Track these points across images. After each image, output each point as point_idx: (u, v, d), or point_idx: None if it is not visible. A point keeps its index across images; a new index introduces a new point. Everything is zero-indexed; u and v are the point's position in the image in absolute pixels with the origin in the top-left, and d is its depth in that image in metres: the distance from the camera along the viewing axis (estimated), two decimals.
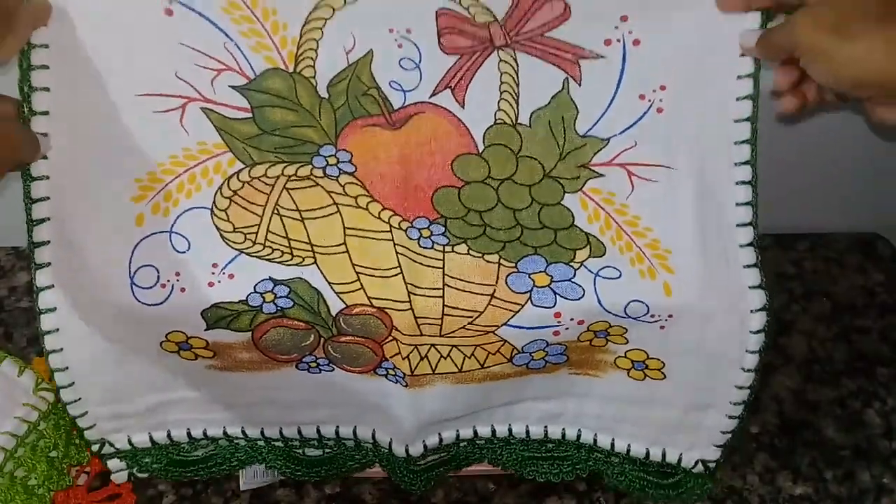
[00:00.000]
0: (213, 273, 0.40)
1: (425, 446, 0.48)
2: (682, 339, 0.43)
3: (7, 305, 0.64)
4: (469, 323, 0.41)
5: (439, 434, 0.48)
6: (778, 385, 0.62)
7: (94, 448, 0.47)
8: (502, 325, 0.41)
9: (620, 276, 0.41)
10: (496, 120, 0.43)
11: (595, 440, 0.49)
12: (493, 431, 0.49)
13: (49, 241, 0.40)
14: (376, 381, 0.44)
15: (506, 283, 0.40)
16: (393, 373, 0.43)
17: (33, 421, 0.47)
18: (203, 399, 0.46)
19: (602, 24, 0.43)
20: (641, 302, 0.41)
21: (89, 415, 0.45)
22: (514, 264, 0.41)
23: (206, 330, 0.41)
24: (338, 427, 0.48)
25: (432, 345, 0.42)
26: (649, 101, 0.43)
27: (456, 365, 0.43)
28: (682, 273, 0.41)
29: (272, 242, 0.41)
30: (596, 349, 0.44)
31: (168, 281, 0.40)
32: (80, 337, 0.41)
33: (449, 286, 0.40)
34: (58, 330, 0.40)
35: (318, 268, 0.40)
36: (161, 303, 0.40)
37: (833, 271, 0.72)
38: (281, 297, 0.40)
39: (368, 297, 0.40)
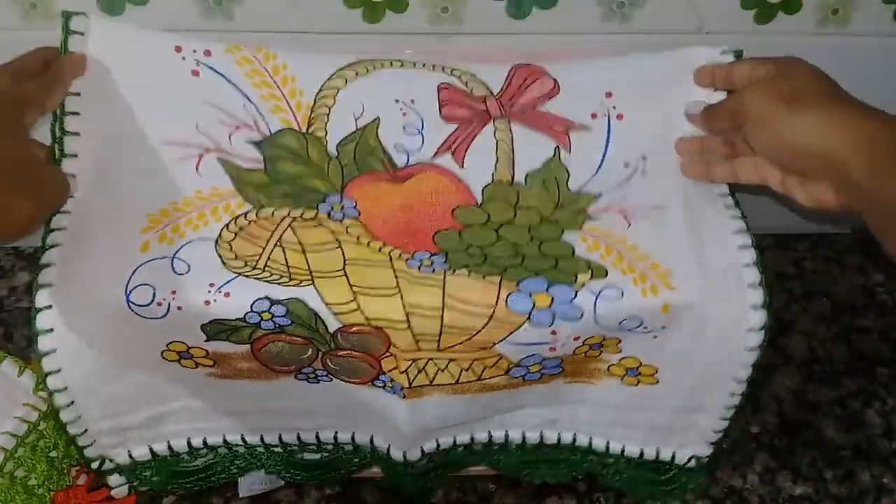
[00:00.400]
0: (210, 292, 0.40)
1: (423, 451, 0.48)
2: (675, 347, 0.43)
3: (7, 305, 0.64)
4: (467, 339, 0.41)
5: (437, 440, 0.48)
6: (778, 385, 0.62)
7: (94, 465, 0.47)
8: (499, 342, 0.41)
9: (623, 296, 0.41)
10: (493, 179, 0.47)
11: (590, 443, 0.50)
12: (490, 437, 0.50)
13: (54, 264, 0.40)
14: (374, 392, 0.44)
15: (506, 303, 0.40)
16: (391, 385, 0.43)
17: (33, 421, 0.47)
18: (203, 407, 0.46)
19: (589, 99, 0.49)
20: (636, 318, 0.41)
21: (89, 432, 0.45)
22: (515, 283, 0.41)
23: (206, 341, 0.41)
24: (336, 433, 0.49)
25: (430, 359, 0.42)
26: (634, 167, 0.48)
27: (453, 377, 0.43)
28: (682, 289, 0.41)
29: (271, 268, 0.42)
30: (590, 359, 0.45)
31: (164, 299, 0.39)
32: (78, 355, 0.41)
33: (448, 307, 0.40)
34: (55, 350, 0.40)
35: (316, 289, 0.40)
36: (161, 317, 0.40)
37: (833, 271, 0.72)
38: (278, 316, 0.40)
39: (366, 318, 0.40)
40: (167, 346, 0.41)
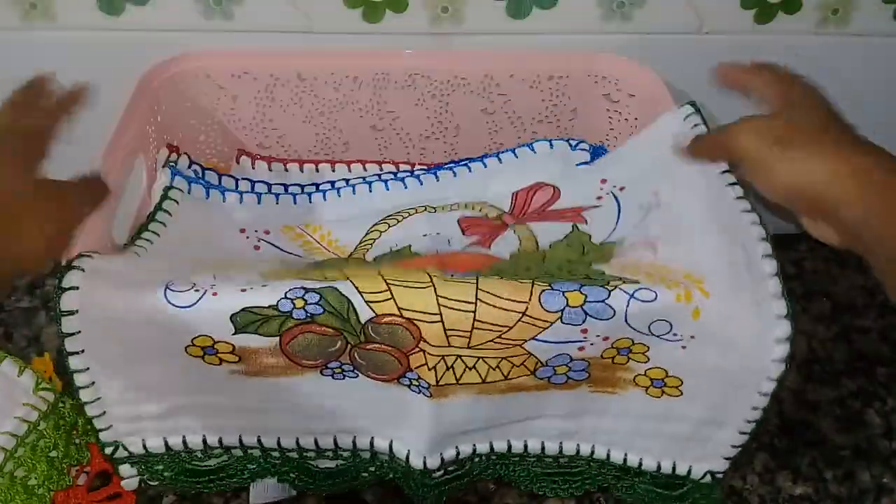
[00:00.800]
0: (248, 279, 0.41)
1: (442, 459, 0.47)
2: (703, 359, 0.42)
3: (7, 305, 0.64)
4: (497, 337, 0.41)
5: (457, 447, 0.48)
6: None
7: (108, 451, 0.47)
8: (530, 340, 0.41)
9: (656, 297, 0.40)
10: (519, 251, 0.52)
11: (608, 455, 0.49)
12: (510, 446, 0.49)
13: (93, 256, 0.41)
14: (399, 389, 0.44)
15: (539, 300, 0.40)
16: (416, 383, 0.43)
17: (33, 421, 0.48)
18: (222, 405, 0.46)
19: (587, 189, 0.54)
20: (666, 321, 0.41)
21: (107, 415, 0.45)
22: (548, 284, 0.41)
23: (233, 334, 0.40)
24: (355, 437, 0.48)
25: (459, 356, 0.42)
26: (649, 204, 0.49)
27: (480, 376, 0.43)
28: (715, 295, 0.41)
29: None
30: (617, 367, 0.44)
31: (203, 286, 0.40)
32: (103, 340, 0.41)
33: (481, 300, 0.40)
34: (79, 332, 0.40)
35: (351, 281, 0.40)
36: (191, 305, 0.39)
37: (833, 271, 0.72)
38: (311, 303, 0.39)
39: (399, 308, 0.40)
40: (192, 340, 0.41)
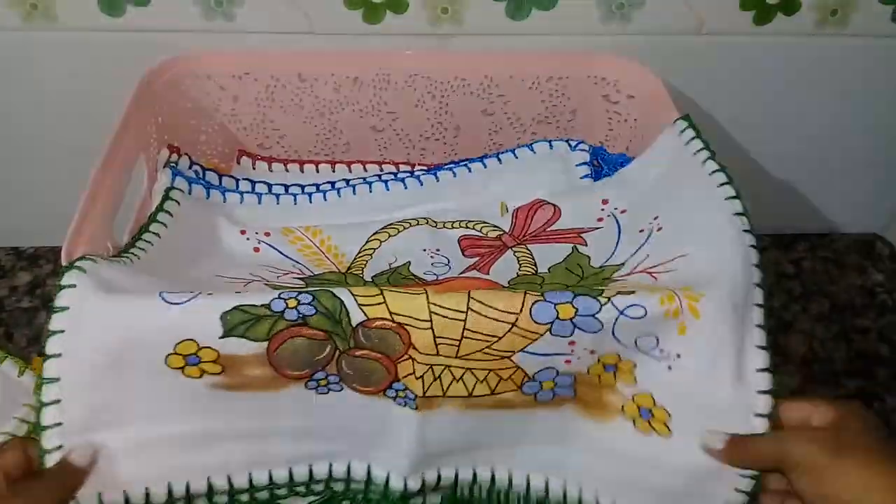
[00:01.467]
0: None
1: (423, 482, 0.45)
2: (688, 389, 0.41)
3: (7, 305, 0.64)
4: (487, 347, 0.41)
5: (438, 470, 0.46)
6: (777, 385, 0.62)
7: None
8: (518, 352, 0.41)
9: (645, 314, 0.40)
10: (518, 275, 0.51)
11: (596, 502, 0.46)
12: (493, 477, 0.47)
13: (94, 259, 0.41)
14: (384, 403, 0.43)
15: (529, 312, 0.40)
16: (403, 394, 0.42)
17: (33, 421, 0.47)
18: (192, 434, 0.42)
19: (589, 211, 0.54)
20: (652, 335, 0.41)
21: (63, 449, 0.40)
22: (541, 294, 0.40)
23: (220, 338, 0.39)
24: (331, 464, 0.45)
25: (447, 366, 0.41)
26: (649, 228, 0.49)
27: (467, 388, 0.42)
28: (705, 315, 0.40)
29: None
30: (604, 388, 0.43)
31: (198, 290, 0.40)
32: (83, 343, 0.39)
33: (472, 310, 0.40)
34: (63, 332, 0.39)
35: (346, 286, 0.41)
36: (184, 302, 0.39)
37: (832, 271, 0.72)
38: (304, 304, 0.39)
39: (390, 312, 0.40)
40: (175, 347, 0.39)
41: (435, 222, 0.56)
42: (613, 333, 0.40)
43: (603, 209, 0.53)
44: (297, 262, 0.53)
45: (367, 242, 0.54)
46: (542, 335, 0.40)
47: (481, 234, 0.55)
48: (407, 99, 0.60)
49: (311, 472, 0.45)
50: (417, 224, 0.56)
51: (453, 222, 0.56)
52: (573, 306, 0.40)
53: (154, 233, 0.48)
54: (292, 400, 0.42)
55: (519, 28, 0.58)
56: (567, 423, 0.45)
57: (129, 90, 0.53)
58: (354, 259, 0.54)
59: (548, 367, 0.42)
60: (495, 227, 0.56)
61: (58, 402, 0.40)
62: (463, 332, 0.40)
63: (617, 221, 0.52)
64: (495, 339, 0.41)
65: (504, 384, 0.43)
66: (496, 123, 0.62)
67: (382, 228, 0.56)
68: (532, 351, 0.41)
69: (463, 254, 0.54)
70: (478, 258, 0.53)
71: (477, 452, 0.47)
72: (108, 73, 0.59)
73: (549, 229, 0.54)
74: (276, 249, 0.54)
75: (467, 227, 0.56)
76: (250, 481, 0.44)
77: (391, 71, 0.58)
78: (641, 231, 0.49)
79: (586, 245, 0.52)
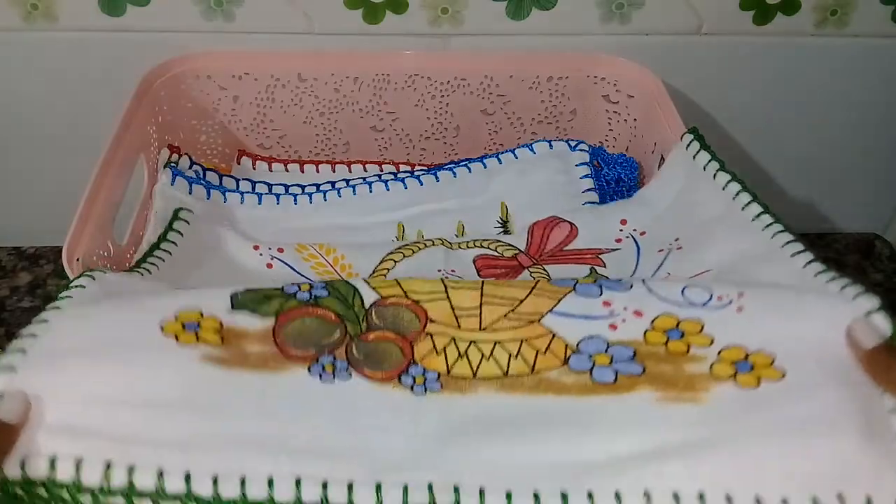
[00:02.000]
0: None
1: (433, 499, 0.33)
2: (776, 319, 0.35)
3: (8, 305, 0.64)
4: (510, 311, 0.37)
5: (456, 485, 0.33)
6: None
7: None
8: (547, 313, 0.36)
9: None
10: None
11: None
12: (536, 497, 0.32)
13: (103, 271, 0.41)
14: (398, 393, 0.36)
15: (548, 283, 0.38)
16: (422, 379, 0.36)
17: None
18: (160, 403, 0.34)
19: (607, 230, 0.52)
20: (698, 287, 0.36)
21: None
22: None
23: (228, 311, 0.37)
24: (299, 479, 0.33)
25: (472, 341, 0.36)
26: (668, 248, 0.49)
27: (501, 367, 0.36)
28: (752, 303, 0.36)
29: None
30: (679, 358, 0.35)
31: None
32: (72, 331, 0.35)
33: (487, 282, 0.38)
34: (47, 322, 0.35)
35: (362, 278, 0.40)
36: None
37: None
38: (318, 287, 0.38)
39: (404, 291, 0.38)
40: (176, 315, 0.36)
41: (450, 243, 0.54)
42: (650, 290, 0.36)
43: (622, 229, 0.52)
44: (310, 280, 0.53)
45: (381, 262, 0.53)
46: (566, 294, 0.37)
47: (497, 254, 0.54)
48: (407, 99, 0.60)
49: (297, 484, 0.33)
50: (433, 245, 0.54)
51: (468, 242, 0.54)
52: (592, 278, 0.38)
53: (165, 250, 0.48)
54: (291, 384, 0.36)
55: (519, 28, 0.58)
56: (648, 413, 0.34)
57: (129, 90, 0.53)
58: (369, 278, 0.54)
59: (592, 337, 0.36)
60: (510, 245, 0.54)
61: (33, 335, 0.34)
62: (482, 299, 0.37)
63: (636, 242, 0.51)
64: (517, 301, 0.37)
65: (544, 359, 0.35)
66: (496, 123, 0.62)
67: (397, 249, 0.54)
68: (563, 311, 0.36)
69: (478, 274, 0.52)
70: (494, 279, 0.52)
71: (520, 457, 0.34)
72: (109, 73, 0.59)
73: (565, 248, 0.53)
74: (290, 266, 0.53)
75: (482, 247, 0.54)
76: (215, 482, 0.32)
77: (391, 71, 0.58)
78: (661, 251, 0.49)
79: (605, 266, 0.50)
